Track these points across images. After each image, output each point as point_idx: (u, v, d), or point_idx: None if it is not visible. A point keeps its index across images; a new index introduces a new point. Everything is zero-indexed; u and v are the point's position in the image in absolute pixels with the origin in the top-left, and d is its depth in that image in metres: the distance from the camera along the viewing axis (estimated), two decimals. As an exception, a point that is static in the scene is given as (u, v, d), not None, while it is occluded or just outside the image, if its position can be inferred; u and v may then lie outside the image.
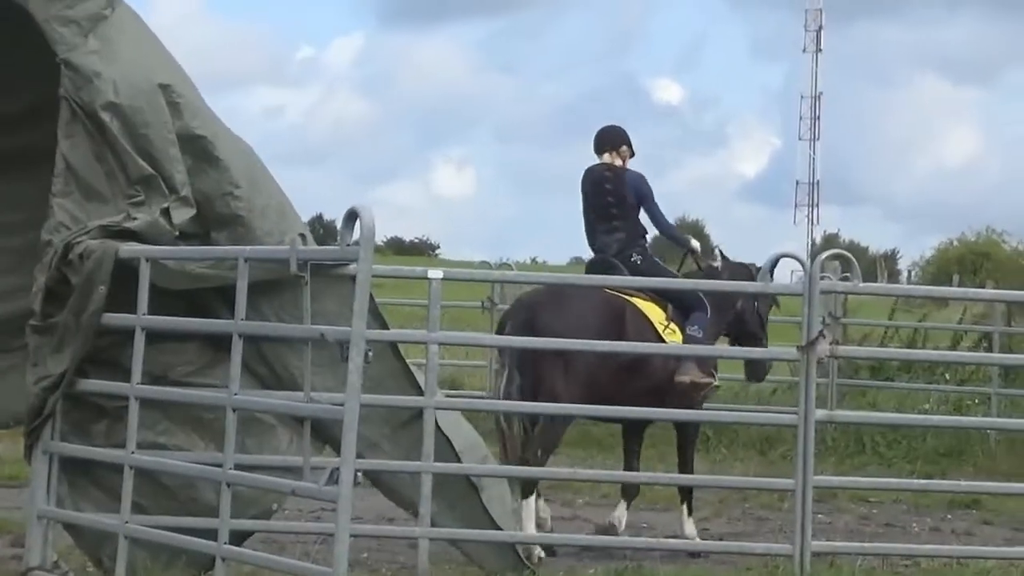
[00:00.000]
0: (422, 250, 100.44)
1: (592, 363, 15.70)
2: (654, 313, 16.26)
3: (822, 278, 13.06)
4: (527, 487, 15.20)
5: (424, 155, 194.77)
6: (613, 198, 17.13)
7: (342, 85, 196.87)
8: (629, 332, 15.94)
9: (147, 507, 12.25)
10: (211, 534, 11.33)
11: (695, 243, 17.40)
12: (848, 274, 13.64)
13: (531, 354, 15.44)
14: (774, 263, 13.84)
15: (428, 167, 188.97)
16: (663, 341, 15.83)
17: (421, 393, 13.17)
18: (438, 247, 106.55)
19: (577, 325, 15.55)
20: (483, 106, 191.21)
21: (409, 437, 13.01)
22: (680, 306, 16.44)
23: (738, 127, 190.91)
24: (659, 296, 16.35)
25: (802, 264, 13.38)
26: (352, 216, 10.22)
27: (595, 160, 17.30)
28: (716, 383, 16.72)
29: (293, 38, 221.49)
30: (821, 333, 12.95)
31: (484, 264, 26.14)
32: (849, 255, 13.53)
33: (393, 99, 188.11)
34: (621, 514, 16.27)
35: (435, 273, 13.47)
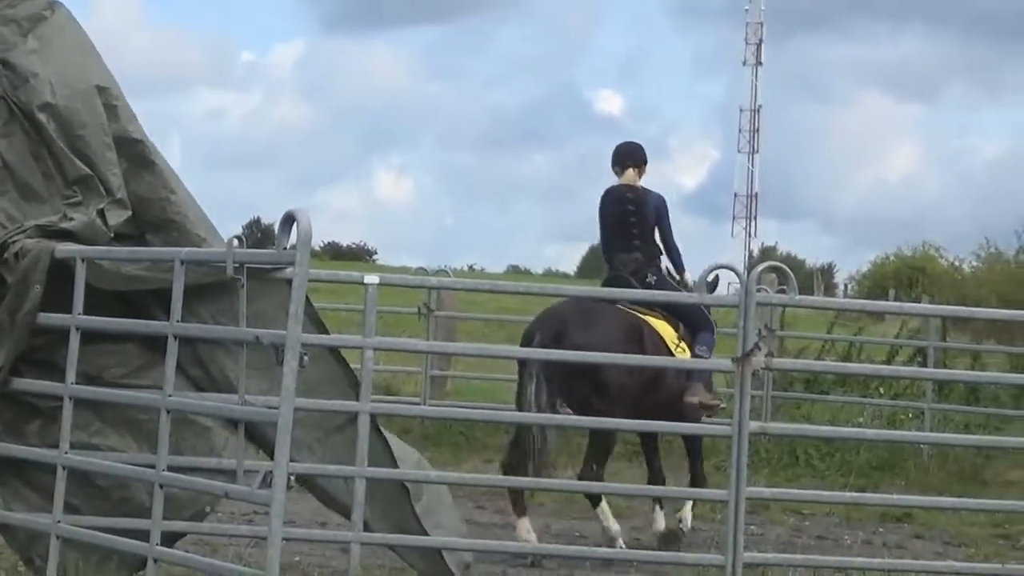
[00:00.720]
0: (359, 255, 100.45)
1: (622, 377, 16.20)
2: (666, 331, 16.78)
3: (758, 290, 13.13)
4: (595, 496, 16.42)
5: (365, 161, 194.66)
6: (635, 219, 17.58)
7: (284, 89, 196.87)
8: (647, 349, 16.42)
9: (80, 507, 12.24)
10: (144, 535, 11.36)
11: (688, 276, 17.55)
12: (784, 287, 13.69)
13: (562, 366, 15.84)
14: (710, 275, 13.88)
15: (368, 173, 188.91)
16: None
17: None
18: (375, 253, 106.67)
19: (605, 340, 15.98)
20: (424, 113, 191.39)
21: (344, 441, 13.01)
22: (689, 325, 16.91)
23: (678, 139, 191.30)
24: (670, 315, 16.85)
25: (738, 276, 13.41)
26: (289, 220, 10.26)
27: (609, 174, 18.00)
28: (722, 404, 17.16)
29: (235, 42, 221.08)
30: (756, 345, 12.98)
31: (421, 270, 26.08)
32: (785, 268, 13.57)
33: (335, 105, 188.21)
34: (686, 515, 17.22)
35: (371, 278, 13.47)
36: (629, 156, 18.15)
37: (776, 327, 24.66)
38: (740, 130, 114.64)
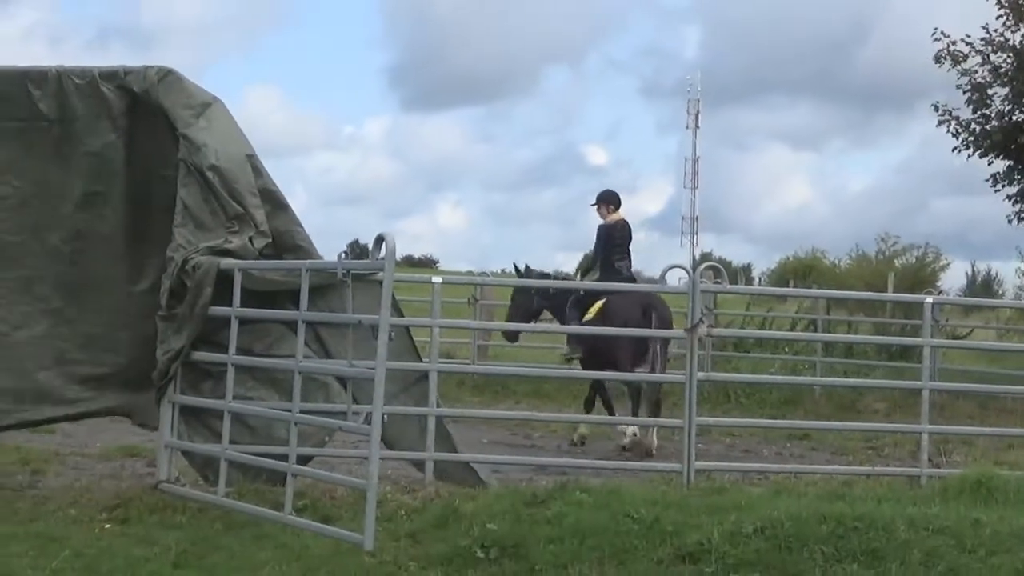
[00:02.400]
0: (427, 264, 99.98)
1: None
2: None
3: (701, 281, 13.11)
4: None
5: (431, 199, 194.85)
6: (627, 241, 18.67)
7: (375, 150, 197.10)
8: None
9: (238, 440, 12.25)
10: (283, 458, 11.34)
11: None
12: (719, 279, 13.66)
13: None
14: (668, 272, 13.87)
15: (433, 207, 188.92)
16: None
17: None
18: (439, 261, 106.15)
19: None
20: (471, 165, 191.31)
21: (417, 392, 13.09)
22: None
23: (644, 180, 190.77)
24: None
25: (687, 272, 13.41)
26: (379, 240, 10.24)
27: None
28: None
29: (340, 119, 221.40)
30: (701, 319, 12.99)
31: (469, 273, 26.12)
32: (720, 266, 13.62)
33: (410, 160, 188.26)
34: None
35: (436, 279, 13.61)
36: (618, 199, 18.81)
37: (713, 307, 24.56)
38: (685, 173, 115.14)
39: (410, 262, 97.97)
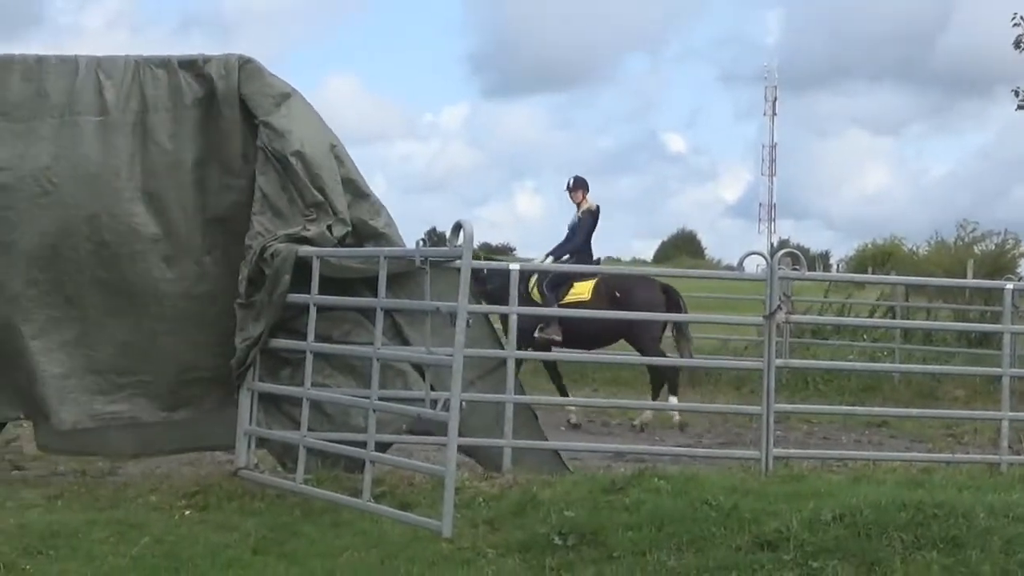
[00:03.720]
0: (504, 251, 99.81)
1: None
2: None
3: (779, 268, 13.00)
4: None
5: (508, 186, 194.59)
6: None
7: (453, 138, 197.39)
8: None
9: (316, 428, 12.26)
10: (361, 445, 11.34)
11: None
12: (797, 266, 13.51)
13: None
14: (745, 259, 13.76)
15: (511, 195, 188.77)
16: None
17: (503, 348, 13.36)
18: (515, 249, 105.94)
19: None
20: (549, 153, 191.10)
21: (494, 379, 13.04)
22: None
23: (723, 167, 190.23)
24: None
25: (765, 259, 13.30)
26: (457, 227, 10.23)
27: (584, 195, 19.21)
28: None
29: (420, 107, 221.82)
30: (779, 306, 12.88)
31: (514, 257, 26.02)
32: (798, 253, 13.47)
33: (488, 148, 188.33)
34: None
35: (514, 266, 13.55)
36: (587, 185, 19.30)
37: (791, 294, 24.37)
38: (763, 159, 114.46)
39: (488, 249, 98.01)
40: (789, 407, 15.02)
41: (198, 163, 12.80)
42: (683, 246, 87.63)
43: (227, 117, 12.69)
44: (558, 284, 18.35)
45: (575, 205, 19.03)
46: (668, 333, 19.59)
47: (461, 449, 11.63)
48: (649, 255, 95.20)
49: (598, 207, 19.10)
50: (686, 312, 18.91)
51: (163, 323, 12.74)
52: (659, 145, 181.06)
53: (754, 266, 13.84)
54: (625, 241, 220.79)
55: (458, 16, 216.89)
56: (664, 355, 18.76)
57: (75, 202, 12.63)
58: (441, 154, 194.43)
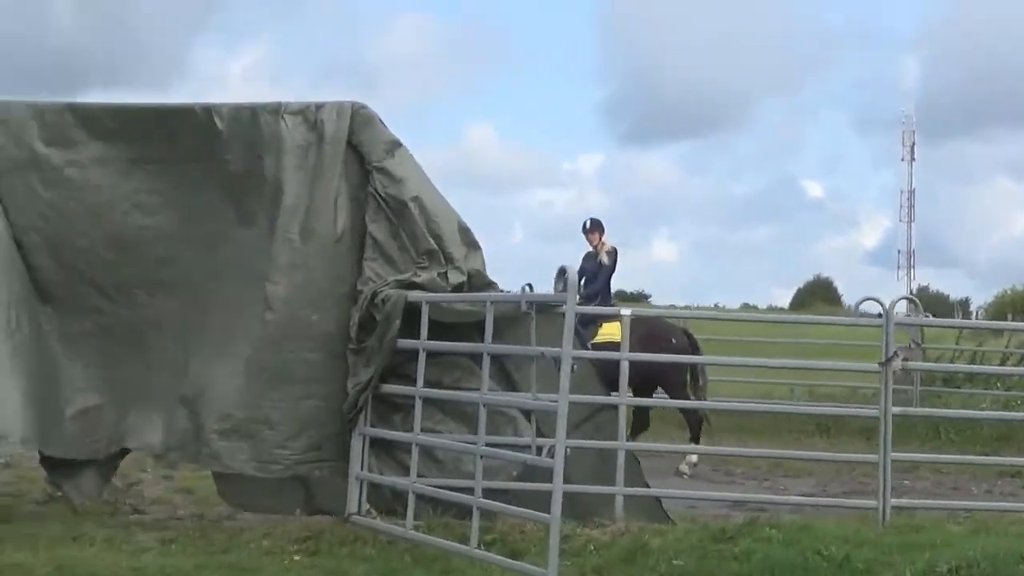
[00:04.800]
0: (639, 298, 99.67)
1: None
2: None
3: (897, 314, 12.75)
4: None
5: (644, 233, 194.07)
6: None
7: (590, 186, 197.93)
8: None
9: (428, 474, 12.20)
10: (469, 492, 11.24)
11: None
12: (928, 313, 13.22)
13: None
14: (862, 304, 13.46)
15: (647, 242, 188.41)
16: None
17: (606, 392, 13.25)
18: (650, 296, 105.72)
19: None
20: (685, 199, 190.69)
21: (604, 422, 12.89)
22: None
23: (862, 213, 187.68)
24: None
25: (881, 304, 13.01)
26: (561, 272, 10.16)
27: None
28: None
29: (557, 156, 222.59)
30: (895, 353, 12.61)
31: (672, 307, 25.75)
32: (915, 299, 13.23)
33: (624, 196, 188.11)
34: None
35: (626, 311, 13.37)
36: None
37: (920, 340, 23.91)
38: (901, 206, 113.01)
39: (622, 296, 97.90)
40: (906, 455, 14.56)
41: (302, 207, 12.82)
42: (819, 293, 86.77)
43: (333, 162, 12.72)
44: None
45: (591, 247, 19.00)
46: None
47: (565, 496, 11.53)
48: (786, 302, 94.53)
49: (615, 249, 19.00)
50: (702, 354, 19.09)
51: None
52: (797, 191, 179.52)
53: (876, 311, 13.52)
54: (763, 289, 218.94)
55: (594, 64, 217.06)
56: (690, 398, 18.53)
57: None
58: (578, 201, 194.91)
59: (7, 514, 12.92)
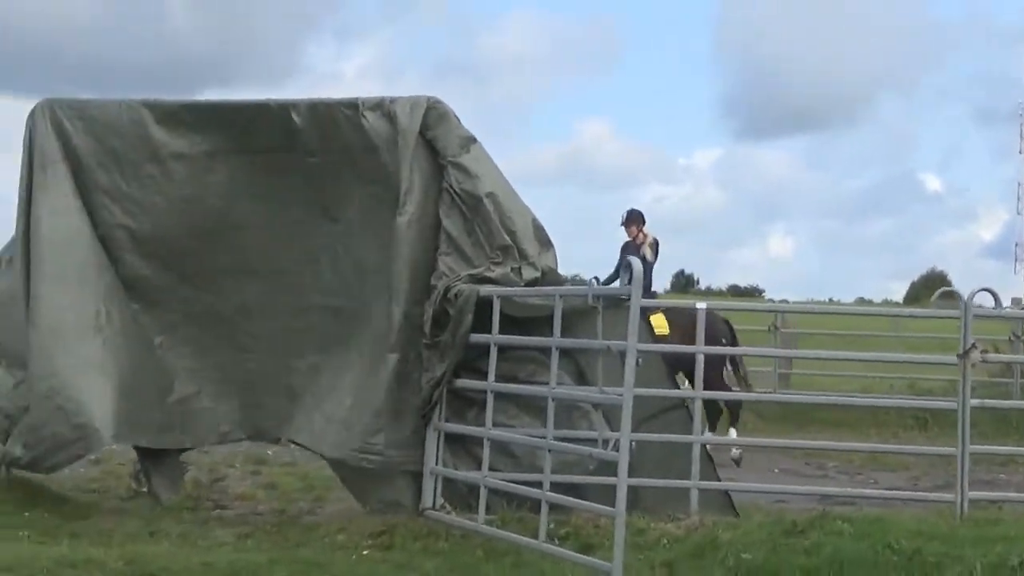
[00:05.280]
0: (751, 293, 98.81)
1: None
2: None
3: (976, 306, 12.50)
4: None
5: (760, 229, 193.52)
6: None
7: (705, 181, 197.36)
8: None
9: (502, 468, 12.21)
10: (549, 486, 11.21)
11: None
12: (998, 304, 12.96)
13: None
14: (937, 295, 13.29)
15: (763, 237, 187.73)
16: None
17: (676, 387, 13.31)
18: (764, 291, 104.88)
19: None
20: (801, 194, 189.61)
21: (674, 419, 12.79)
22: None
23: (981, 207, 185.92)
24: None
25: (959, 296, 12.81)
26: (628, 265, 10.10)
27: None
28: None
29: (673, 151, 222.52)
30: (973, 345, 12.40)
31: (769, 301, 25.59)
32: (993, 290, 12.88)
33: (740, 190, 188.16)
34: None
35: (701, 305, 13.22)
36: None
37: (1021, 334, 23.43)
38: (1018, 198, 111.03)
39: (735, 291, 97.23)
40: (983, 448, 14.22)
41: (374, 199, 13.00)
42: (933, 287, 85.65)
43: (402, 156, 12.74)
44: None
45: (629, 240, 19.03)
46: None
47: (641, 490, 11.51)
48: (901, 296, 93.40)
49: (656, 240, 18.99)
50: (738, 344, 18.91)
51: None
52: (914, 185, 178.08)
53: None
54: (881, 282, 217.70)
55: (710, 59, 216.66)
56: (730, 389, 18.32)
57: None
58: (693, 197, 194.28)
59: (89, 510, 13.12)
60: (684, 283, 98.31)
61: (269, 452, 17.20)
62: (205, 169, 13.35)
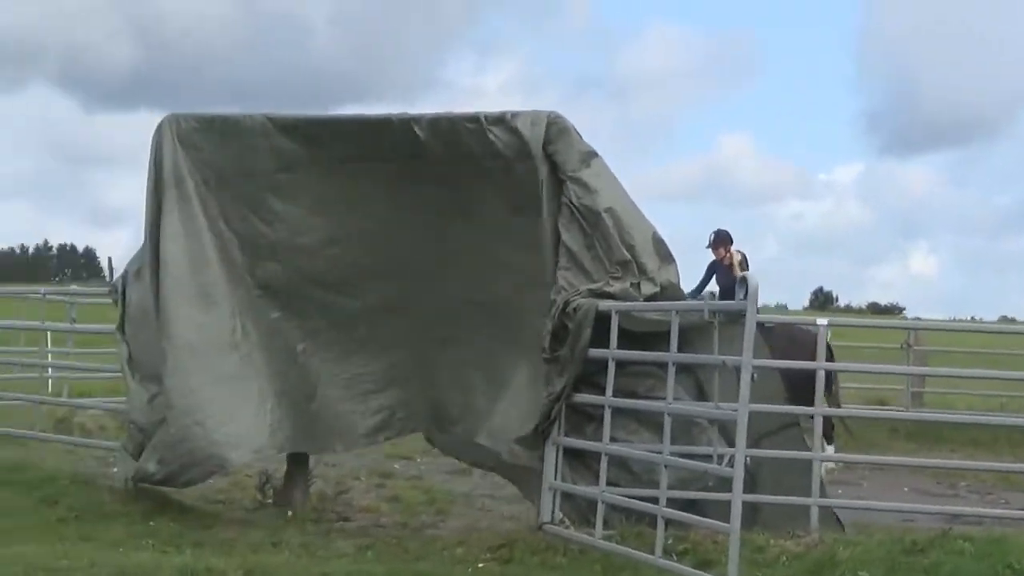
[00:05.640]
0: (891, 311, 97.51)
1: None
2: None
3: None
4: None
5: (902, 245, 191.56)
6: None
7: (847, 197, 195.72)
8: None
9: (621, 483, 12.19)
10: (670, 503, 11.21)
11: None
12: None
13: None
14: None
15: (905, 255, 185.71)
16: None
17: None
18: (904, 309, 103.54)
19: None
20: (944, 211, 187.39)
21: (789, 437, 12.69)
22: None
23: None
24: None
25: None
26: (743, 281, 10.07)
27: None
28: None
29: (814, 167, 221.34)
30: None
31: (903, 317, 25.21)
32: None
33: (882, 206, 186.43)
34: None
35: (822, 321, 13.13)
36: None
37: None
38: None
39: (875, 309, 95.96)
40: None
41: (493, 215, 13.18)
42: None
43: (526, 169, 12.79)
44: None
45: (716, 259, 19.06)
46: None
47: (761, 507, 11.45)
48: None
49: (745, 257, 18.96)
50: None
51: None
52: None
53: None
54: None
55: (852, 75, 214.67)
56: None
57: None
58: (833, 213, 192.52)
59: (214, 520, 13.31)
60: (823, 300, 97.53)
61: (396, 466, 17.34)
62: (335, 176, 13.52)
